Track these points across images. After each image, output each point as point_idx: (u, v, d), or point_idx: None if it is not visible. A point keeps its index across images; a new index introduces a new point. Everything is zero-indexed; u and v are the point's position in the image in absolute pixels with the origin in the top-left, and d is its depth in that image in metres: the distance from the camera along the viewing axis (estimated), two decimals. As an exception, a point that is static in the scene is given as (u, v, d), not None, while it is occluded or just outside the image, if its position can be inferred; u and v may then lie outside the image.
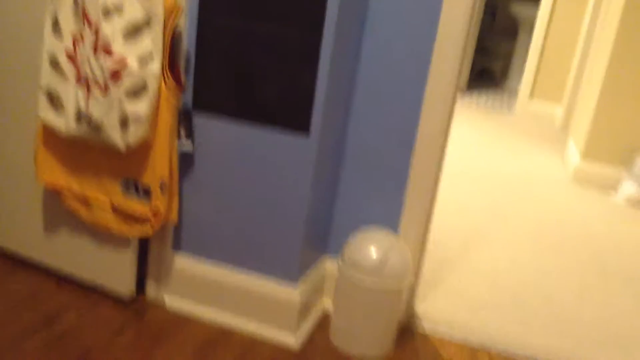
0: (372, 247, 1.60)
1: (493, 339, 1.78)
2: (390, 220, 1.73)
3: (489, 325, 1.85)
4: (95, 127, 1.46)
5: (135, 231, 1.59)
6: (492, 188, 3.13)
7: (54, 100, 1.50)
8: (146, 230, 1.57)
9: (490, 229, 2.59)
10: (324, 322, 1.74)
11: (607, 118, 3.25)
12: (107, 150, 1.53)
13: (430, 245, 2.28)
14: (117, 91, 1.42)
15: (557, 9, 4.53)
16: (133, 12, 1.38)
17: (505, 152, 3.81)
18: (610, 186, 3.27)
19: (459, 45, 1.54)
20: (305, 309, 1.67)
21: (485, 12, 5.61)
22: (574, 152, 3.53)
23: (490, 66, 6.00)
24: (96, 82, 1.43)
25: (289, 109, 1.50)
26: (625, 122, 3.22)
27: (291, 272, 1.61)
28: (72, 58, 1.45)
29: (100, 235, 1.67)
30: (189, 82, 1.55)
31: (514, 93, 5.35)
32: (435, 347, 1.71)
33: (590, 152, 3.33)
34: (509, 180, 3.28)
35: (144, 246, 1.72)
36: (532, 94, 4.77)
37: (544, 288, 2.13)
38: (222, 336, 1.63)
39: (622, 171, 3.24)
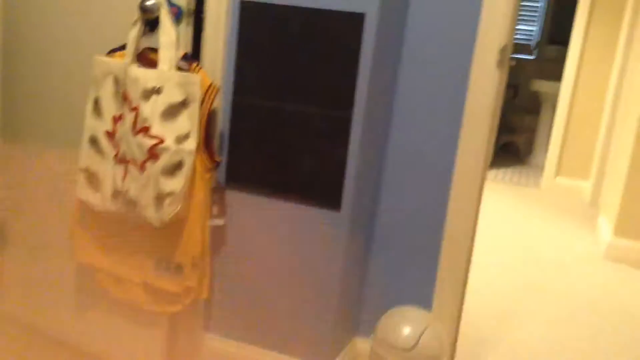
0: (405, 326, 1.56)
1: None
2: (422, 299, 1.69)
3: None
4: (131, 204, 1.48)
5: (165, 307, 1.57)
6: (523, 266, 3.06)
7: (92, 179, 1.53)
8: (176, 307, 1.56)
9: (524, 308, 2.51)
10: (356, 406, 1.68)
11: (638, 192, 3.20)
12: (141, 227, 1.55)
13: (463, 326, 2.22)
14: (154, 169, 1.44)
15: (579, 84, 4.58)
16: (172, 94, 1.43)
17: (534, 228, 3.76)
18: (645, 263, 3.18)
19: (485, 126, 1.55)
20: (337, 391, 1.61)
21: (507, 88, 5.69)
22: (605, 228, 3.46)
23: (514, 141, 6.03)
24: (134, 161, 1.46)
25: (320, 186, 1.51)
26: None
27: (322, 355, 1.57)
28: (111, 137, 1.49)
29: (131, 316, 1.66)
30: (222, 159, 1.58)
31: (539, 168, 5.33)
32: None
33: (623, 228, 3.26)
34: (541, 258, 3.22)
35: (174, 326, 1.70)
36: (558, 170, 4.75)
37: (585, 371, 2.04)
38: (252, 420, 1.57)
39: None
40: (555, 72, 5.32)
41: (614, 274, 3.09)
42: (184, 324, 1.68)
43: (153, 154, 1.44)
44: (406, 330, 1.54)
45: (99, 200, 1.53)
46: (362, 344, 1.74)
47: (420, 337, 1.53)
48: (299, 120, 1.50)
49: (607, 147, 4.20)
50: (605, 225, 3.49)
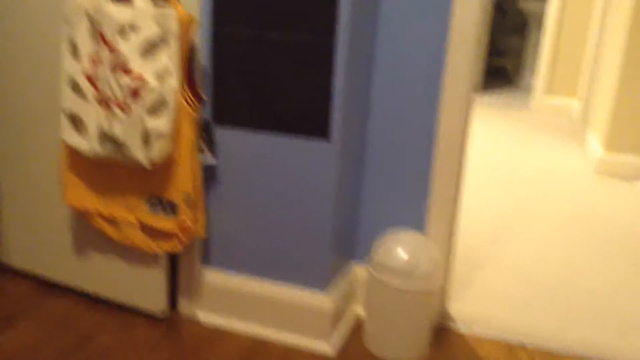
0: (400, 249, 1.58)
1: (529, 334, 1.75)
2: (416, 221, 1.71)
3: (524, 321, 1.82)
4: (119, 146, 1.47)
5: (163, 247, 1.59)
6: (515, 184, 3.10)
7: (77, 122, 1.51)
8: (174, 245, 1.58)
9: (517, 226, 2.56)
10: (357, 329, 1.73)
11: (627, 107, 3.21)
12: (132, 169, 1.55)
13: (458, 246, 2.26)
14: (138, 109, 1.43)
15: (567, 1, 4.50)
16: (148, 29, 1.40)
17: (525, 148, 3.78)
18: (635, 175, 3.22)
19: (471, 43, 1.53)
20: (337, 316, 1.66)
21: (494, 10, 5.60)
22: (595, 144, 3.49)
23: (503, 64, 5.97)
24: (117, 102, 1.44)
25: (308, 116, 1.50)
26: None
27: (321, 280, 1.61)
28: (91, 79, 1.47)
29: (129, 254, 1.68)
30: (207, 95, 1.56)
31: (529, 89, 5.31)
32: (471, 346, 1.69)
33: (612, 143, 3.29)
34: (532, 176, 3.25)
35: (174, 263, 1.72)
36: (547, 89, 4.73)
37: (577, 281, 2.10)
38: (258, 348, 1.62)
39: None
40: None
41: (605, 187, 3.13)
42: (182, 260, 1.71)
43: (135, 93, 1.42)
44: (401, 254, 1.57)
45: (86, 145, 1.52)
46: (358, 268, 1.77)
47: (415, 259, 1.56)
48: (282, 49, 1.47)
49: (597, 63, 4.17)
50: (596, 141, 3.51)
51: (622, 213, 2.79)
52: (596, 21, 4.26)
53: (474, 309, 1.86)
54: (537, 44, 5.23)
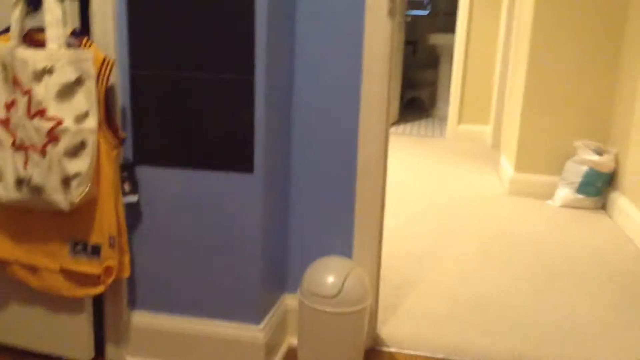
0: (328, 275, 1.62)
1: (457, 351, 1.81)
2: (343, 249, 1.75)
3: (452, 338, 1.88)
4: (37, 190, 1.43)
5: (88, 291, 1.55)
6: (435, 209, 3.22)
7: (-8, 169, 1.47)
8: (99, 288, 1.54)
9: (439, 248, 2.66)
10: (291, 358, 1.74)
11: (532, 129, 3.42)
12: (51, 213, 1.51)
13: (385, 270, 2.32)
14: (55, 152, 1.41)
15: (472, 33, 4.78)
16: (64, 73, 1.39)
17: (443, 174, 3.93)
18: (546, 194, 3.42)
19: (383, 77, 1.61)
20: (270, 348, 1.66)
21: (407, 45, 5.85)
22: (507, 166, 3.68)
23: (419, 95, 6.23)
24: (33, 146, 1.41)
25: (231, 151, 1.52)
26: (550, 132, 3.40)
27: (253, 314, 1.61)
28: (6, 125, 1.44)
29: (52, 302, 1.63)
30: (127, 134, 1.56)
31: (443, 118, 5.55)
32: (404, 367, 1.73)
33: (522, 164, 3.49)
34: (451, 200, 3.38)
35: (99, 308, 1.68)
36: (460, 118, 4.98)
37: (499, 296, 2.19)
38: (190, 388, 1.59)
39: (555, 178, 3.40)
40: (449, 25, 5.52)
41: (518, 206, 3.31)
42: (108, 305, 1.67)
43: (53, 136, 1.40)
44: (330, 279, 1.60)
45: (2, 190, 1.47)
46: (291, 300, 1.79)
47: (343, 283, 1.60)
48: (201, 87, 1.49)
49: (503, 90, 4.43)
50: (507, 163, 3.71)
51: (534, 229, 2.95)
52: (501, 50, 4.55)
53: (403, 330, 1.91)
54: (448, 75, 5.50)
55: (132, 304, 1.67)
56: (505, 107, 4.10)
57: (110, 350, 1.69)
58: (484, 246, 2.70)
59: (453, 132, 4.98)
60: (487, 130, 4.89)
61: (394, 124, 5.46)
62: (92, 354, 1.66)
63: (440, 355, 1.78)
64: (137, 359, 1.68)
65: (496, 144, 4.59)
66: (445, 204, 3.32)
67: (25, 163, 1.43)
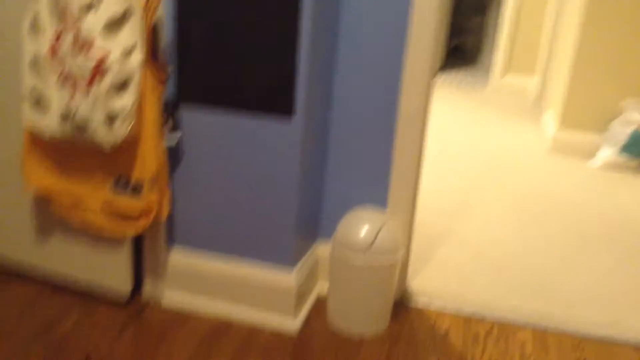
0: (361, 226, 1.63)
1: (485, 307, 1.83)
2: (378, 200, 1.76)
3: (480, 295, 1.89)
4: (81, 126, 1.46)
5: (128, 229, 1.60)
6: (473, 164, 3.18)
7: (39, 102, 1.50)
8: (139, 227, 1.58)
9: (473, 204, 2.64)
10: (320, 306, 1.78)
11: (581, 86, 3.31)
12: (95, 150, 1.54)
13: (418, 223, 2.32)
14: (102, 86, 1.42)
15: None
16: (112, 6, 1.39)
17: (483, 128, 3.86)
18: (588, 153, 3.34)
19: (433, 24, 1.57)
20: (301, 294, 1.70)
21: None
22: (550, 122, 3.59)
23: (463, 43, 6.05)
24: (80, 79, 1.43)
25: (273, 94, 1.51)
26: (599, 89, 3.28)
27: (286, 258, 1.64)
28: (54, 56, 1.45)
29: (93, 236, 1.68)
30: (172, 73, 1.56)
31: (488, 68, 5.40)
32: (431, 320, 1.75)
33: (567, 121, 3.39)
34: (489, 155, 3.34)
35: (138, 244, 1.73)
36: (505, 69, 4.83)
37: (530, 256, 2.19)
38: (222, 328, 1.65)
39: (599, 138, 3.31)
40: (501, -30, 5.27)
41: (559, 165, 3.24)
42: (147, 242, 1.72)
43: (99, 70, 1.41)
44: (363, 231, 1.62)
45: (47, 126, 1.50)
46: (323, 248, 1.82)
47: (376, 235, 1.61)
48: (247, 26, 1.47)
49: (554, 42, 4.27)
50: (551, 119, 3.62)
51: (571, 190, 2.90)
52: (553, 1, 4.36)
53: (433, 284, 1.93)
54: (496, 23, 5.31)
55: (171, 240, 1.72)
56: (555, 59, 3.96)
57: (148, 285, 1.75)
58: (517, 205, 2.67)
59: (497, 83, 4.86)
60: (533, 82, 4.75)
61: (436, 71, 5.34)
62: (130, 289, 1.72)
63: (467, 311, 1.80)
64: (174, 294, 1.74)
65: (541, 98, 4.46)
66: (484, 158, 3.27)
67: (72, 97, 1.45)
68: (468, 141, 3.55)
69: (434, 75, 1.67)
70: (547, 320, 1.79)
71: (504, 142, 3.58)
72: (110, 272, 1.71)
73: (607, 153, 3.20)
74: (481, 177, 2.98)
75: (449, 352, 1.61)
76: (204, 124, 1.58)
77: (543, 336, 1.72)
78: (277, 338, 1.62)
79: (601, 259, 2.21)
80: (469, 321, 1.76)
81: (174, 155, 1.63)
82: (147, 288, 1.76)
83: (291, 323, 1.66)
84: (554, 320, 1.79)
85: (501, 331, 1.73)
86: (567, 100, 3.36)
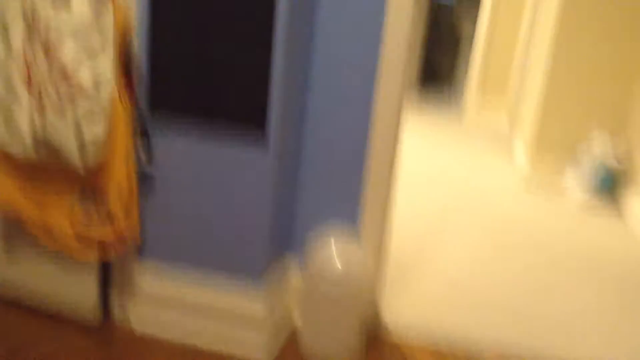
0: (332, 258, 1.62)
1: (459, 339, 1.82)
2: (350, 217, 1.75)
3: (455, 327, 1.89)
4: (53, 150, 1.44)
5: (98, 254, 1.57)
6: (446, 192, 3.21)
7: (9, 124, 1.47)
8: (109, 252, 1.56)
9: (447, 233, 2.65)
10: (293, 337, 1.75)
11: (551, 118, 3.39)
12: (66, 174, 1.52)
13: (392, 250, 2.32)
14: (74, 113, 1.41)
15: (497, 23, 4.72)
16: (87, 36, 1.39)
17: (456, 158, 3.91)
18: (558, 186, 3.39)
19: (404, 45, 1.59)
20: (273, 323, 1.67)
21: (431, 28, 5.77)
22: (521, 155, 3.66)
23: (437, 75, 6.16)
24: (52, 106, 1.42)
25: (245, 111, 1.50)
26: (568, 120, 3.36)
27: (256, 272, 1.61)
28: (27, 82, 1.44)
29: (61, 262, 1.65)
30: (144, 86, 1.54)
31: (461, 104, 5.50)
32: (403, 353, 1.74)
33: (537, 155, 3.46)
34: (463, 184, 3.37)
35: (106, 265, 1.69)
36: (479, 105, 4.94)
37: (506, 287, 2.19)
38: (191, 356, 1.61)
39: (569, 169, 3.37)
40: (473, 14, 5.43)
41: (531, 196, 3.28)
42: (116, 268, 1.69)
43: (72, 98, 1.40)
44: (332, 261, 1.61)
45: (20, 147, 1.48)
46: (293, 259, 1.80)
47: (346, 265, 1.60)
48: (224, 47, 1.47)
49: (523, 76, 4.38)
50: (522, 152, 3.68)
51: (547, 222, 2.93)
52: (524, 35, 4.48)
53: (408, 316, 1.92)
54: (468, 60, 5.44)
55: (140, 267, 1.68)
56: (525, 94, 4.05)
57: (116, 311, 1.72)
58: (492, 233, 2.69)
59: (470, 120, 4.95)
60: (504, 118, 4.86)
61: (409, 110, 5.41)
62: (99, 314, 1.69)
63: (440, 343, 1.79)
64: (142, 320, 1.70)
65: (512, 132, 4.55)
66: (456, 187, 3.30)
67: (43, 122, 1.43)
68: (441, 169, 3.59)
69: (406, 100, 1.69)
70: (517, 351, 1.78)
71: (478, 172, 3.62)
72: (79, 297, 1.67)
73: (579, 195, 3.25)
74: (455, 205, 3.00)
75: (422, 384, 1.60)
76: (177, 150, 1.57)
77: (516, 367, 1.71)
78: (248, 368, 1.59)
79: (577, 291, 2.22)
80: (441, 354, 1.75)
81: (145, 182, 1.61)
82: (116, 310, 1.71)
83: (263, 353, 1.63)
84: (525, 351, 1.79)
85: (474, 363, 1.72)
86: (537, 133, 3.43)
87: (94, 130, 1.43)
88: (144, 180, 1.60)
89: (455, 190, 3.30)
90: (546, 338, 1.88)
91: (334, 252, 1.64)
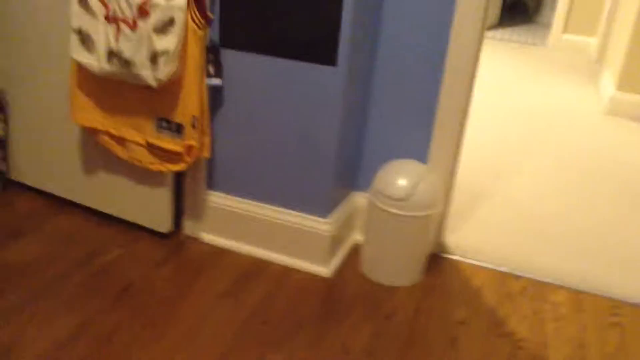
0: (400, 177, 1.62)
1: (522, 266, 1.80)
2: (419, 152, 1.73)
3: (518, 253, 1.87)
4: (126, 64, 1.48)
5: (169, 167, 1.63)
6: (524, 121, 3.09)
7: (85, 40, 1.52)
8: (180, 166, 1.61)
9: (520, 161, 2.58)
10: (355, 255, 1.79)
11: (643, 47, 3.15)
12: (139, 88, 1.57)
13: (460, 178, 2.29)
14: (146, 27, 1.43)
15: None
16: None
17: (538, 85, 3.74)
18: (646, 117, 3.20)
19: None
20: (336, 240, 1.71)
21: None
22: (608, 83, 3.45)
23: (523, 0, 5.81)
24: (125, 19, 1.45)
25: (316, 41, 1.49)
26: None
27: (323, 207, 1.65)
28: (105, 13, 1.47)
29: (137, 173, 1.73)
30: (214, 16, 1.55)
31: (547, 26, 5.19)
32: (466, 275, 1.74)
33: (626, 82, 3.25)
34: (542, 113, 3.24)
35: (179, 184, 1.77)
36: (565, 27, 4.63)
37: (573, 218, 2.13)
38: (258, 267, 1.69)
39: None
40: None
41: (614, 127, 3.12)
42: (188, 182, 1.76)
43: (143, 11, 1.42)
44: (401, 182, 1.61)
45: (95, 63, 1.53)
46: (360, 197, 1.82)
47: (414, 188, 1.60)
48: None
49: (615, 3, 4.06)
50: (609, 80, 3.47)
51: (626, 153, 2.79)
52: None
53: (471, 240, 1.91)
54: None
55: (211, 184, 1.75)
56: (617, 19, 3.77)
57: (187, 224, 1.80)
58: (566, 164, 2.60)
59: (556, 42, 4.67)
60: (593, 42, 4.55)
61: (492, 28, 5.16)
62: (171, 226, 1.77)
63: (502, 269, 1.78)
64: (211, 234, 1.78)
65: (600, 58, 4.27)
66: (536, 116, 3.18)
67: (117, 36, 1.47)
68: (522, 97, 3.45)
69: (485, 27, 1.61)
70: (584, 282, 1.75)
71: (559, 101, 3.46)
72: (153, 209, 1.75)
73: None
74: (531, 134, 2.90)
75: (480, 307, 1.61)
76: (247, 68, 1.58)
77: (578, 298, 1.69)
78: (310, 280, 1.65)
79: (649, 225, 2.14)
80: (504, 278, 1.75)
81: (215, 98, 1.64)
82: (187, 226, 1.80)
83: (325, 267, 1.68)
84: (591, 283, 1.75)
85: (536, 290, 1.71)
86: (627, 61, 3.21)
87: (166, 43, 1.44)
88: (214, 95, 1.63)
89: (534, 117, 3.17)
90: (611, 273, 1.83)
91: (401, 171, 1.63)
